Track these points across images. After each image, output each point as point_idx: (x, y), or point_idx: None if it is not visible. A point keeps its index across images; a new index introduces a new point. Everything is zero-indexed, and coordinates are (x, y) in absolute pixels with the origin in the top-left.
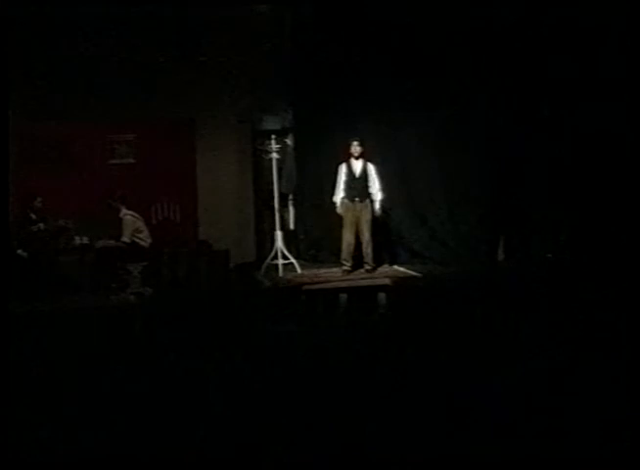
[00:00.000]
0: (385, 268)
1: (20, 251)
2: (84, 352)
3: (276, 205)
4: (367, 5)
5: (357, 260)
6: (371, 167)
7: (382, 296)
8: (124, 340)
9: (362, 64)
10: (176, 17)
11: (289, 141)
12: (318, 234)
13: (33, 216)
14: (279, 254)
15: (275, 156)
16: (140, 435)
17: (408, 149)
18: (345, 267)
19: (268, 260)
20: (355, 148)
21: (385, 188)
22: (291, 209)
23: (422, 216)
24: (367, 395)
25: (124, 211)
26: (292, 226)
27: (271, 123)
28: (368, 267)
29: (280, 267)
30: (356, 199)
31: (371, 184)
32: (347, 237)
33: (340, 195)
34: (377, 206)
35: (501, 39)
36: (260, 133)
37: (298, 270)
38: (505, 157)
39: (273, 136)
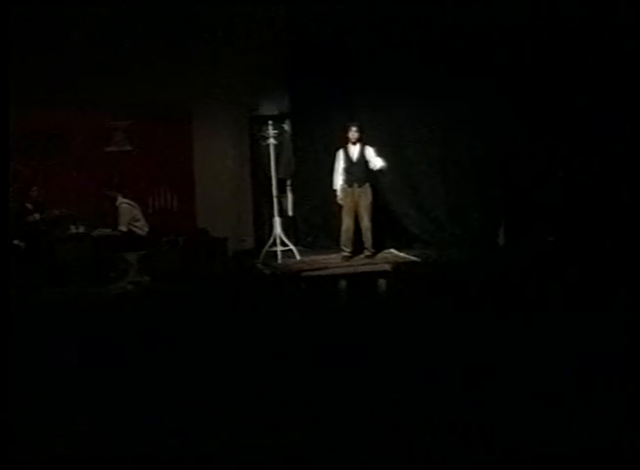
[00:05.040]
0: (384, 253)
1: (16, 241)
2: (81, 343)
3: (274, 191)
4: None
5: (357, 246)
6: (370, 150)
7: (382, 281)
8: (122, 330)
9: (359, 47)
10: (170, 2)
11: (286, 126)
12: (317, 220)
13: (29, 206)
14: (277, 240)
15: (272, 141)
16: (138, 429)
17: (407, 132)
18: (345, 253)
19: (267, 247)
20: (353, 133)
21: (383, 174)
22: (289, 195)
23: (421, 200)
24: (368, 381)
25: (121, 199)
26: (290, 212)
27: (268, 109)
28: (368, 253)
29: (279, 254)
30: (355, 184)
31: (373, 165)
32: (347, 222)
33: (339, 182)
34: (380, 164)
35: (501, 19)
36: (257, 119)
37: (297, 257)
38: (505, 138)
39: (270, 122)
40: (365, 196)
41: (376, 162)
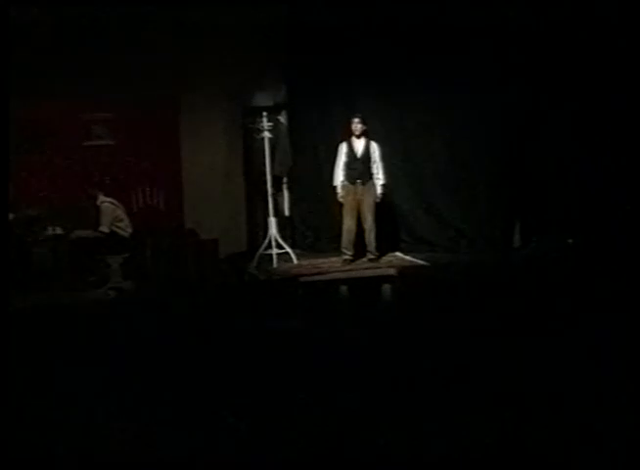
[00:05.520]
0: (389, 257)
1: None
2: (60, 354)
3: (269, 189)
4: None
5: (359, 249)
6: (375, 147)
7: (387, 287)
8: (103, 340)
9: (362, 32)
10: None
11: (282, 118)
12: (316, 220)
13: None
14: (273, 243)
15: (267, 135)
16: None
17: (413, 125)
18: (346, 257)
19: (261, 250)
20: (357, 125)
21: (388, 169)
22: (285, 193)
23: (429, 199)
24: (371, 397)
25: (102, 197)
26: (286, 212)
27: (262, 99)
28: (371, 256)
29: (274, 258)
30: (358, 181)
31: (374, 166)
32: (348, 223)
33: (340, 178)
34: (379, 190)
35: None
36: (251, 110)
37: (295, 260)
38: (519, 131)
39: (265, 113)
40: (369, 194)
41: (379, 176)
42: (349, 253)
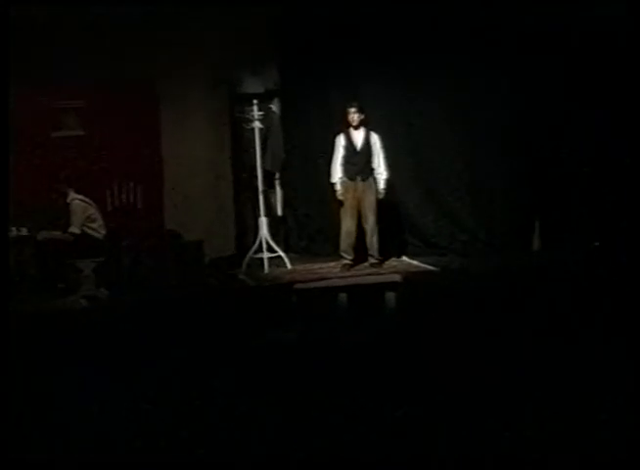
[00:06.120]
0: (393, 261)
1: None
2: (27, 368)
3: (260, 185)
4: None
5: (360, 252)
6: (375, 138)
7: (391, 295)
8: (73, 354)
9: (362, 11)
10: None
11: (274, 107)
12: (311, 221)
13: None
14: (264, 245)
15: (258, 125)
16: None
17: (420, 115)
18: (345, 261)
19: (251, 254)
20: (353, 116)
21: (392, 164)
22: (278, 190)
23: (437, 198)
24: (374, 418)
25: (73, 195)
26: (279, 211)
27: (252, 85)
28: (373, 261)
29: (265, 262)
30: (358, 177)
31: (375, 159)
32: (348, 224)
33: (338, 174)
34: (382, 186)
35: None
36: (240, 98)
37: (288, 265)
38: (539, 123)
39: (255, 101)
40: (370, 191)
41: (382, 171)
42: (349, 257)
